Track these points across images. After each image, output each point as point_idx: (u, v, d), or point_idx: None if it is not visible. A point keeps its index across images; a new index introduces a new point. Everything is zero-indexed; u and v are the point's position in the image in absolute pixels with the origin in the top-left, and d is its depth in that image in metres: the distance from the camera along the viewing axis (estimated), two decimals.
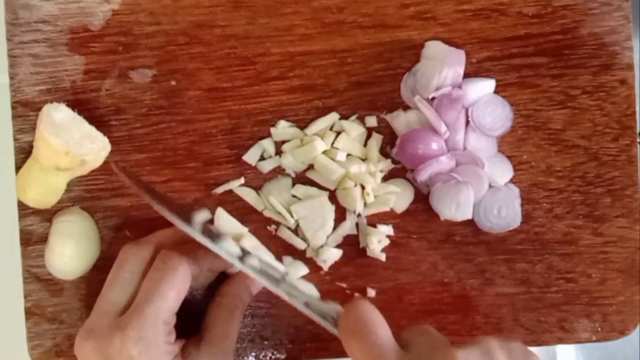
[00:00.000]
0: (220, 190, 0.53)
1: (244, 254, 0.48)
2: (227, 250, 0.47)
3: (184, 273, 0.46)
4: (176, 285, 0.46)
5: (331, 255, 0.53)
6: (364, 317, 0.45)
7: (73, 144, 0.48)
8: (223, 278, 0.52)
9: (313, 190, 0.53)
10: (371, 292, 0.53)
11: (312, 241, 0.52)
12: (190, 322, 0.49)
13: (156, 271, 0.46)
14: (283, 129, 0.53)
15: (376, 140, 0.53)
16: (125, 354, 0.44)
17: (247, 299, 0.51)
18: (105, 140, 0.51)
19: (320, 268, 0.53)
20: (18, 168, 0.53)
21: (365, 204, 0.53)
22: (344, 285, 0.53)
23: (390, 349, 0.43)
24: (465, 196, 0.52)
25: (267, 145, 0.53)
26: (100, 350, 0.45)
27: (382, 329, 0.44)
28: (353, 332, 0.45)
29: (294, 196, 0.53)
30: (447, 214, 0.52)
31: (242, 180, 0.53)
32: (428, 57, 0.53)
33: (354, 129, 0.53)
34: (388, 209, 0.53)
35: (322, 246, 0.53)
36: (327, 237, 0.53)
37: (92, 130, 0.50)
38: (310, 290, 0.51)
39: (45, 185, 0.50)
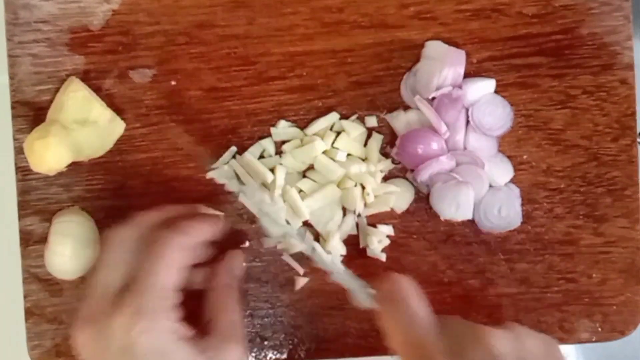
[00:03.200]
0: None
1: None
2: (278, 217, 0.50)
3: (178, 245, 0.45)
4: (172, 258, 0.45)
5: (337, 246, 0.52)
6: (403, 289, 0.45)
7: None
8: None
9: (317, 185, 0.53)
10: (371, 292, 0.53)
11: (324, 235, 0.52)
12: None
13: (149, 248, 0.45)
14: (283, 129, 0.53)
15: (376, 140, 0.53)
16: (126, 334, 0.42)
17: (235, 285, 0.50)
18: (120, 121, 0.52)
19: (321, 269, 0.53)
20: (18, 168, 0.53)
21: (365, 204, 0.53)
22: None
23: (426, 322, 0.44)
24: (465, 196, 0.52)
25: (267, 145, 0.53)
26: (99, 336, 0.43)
27: (420, 302, 0.45)
28: (391, 301, 0.45)
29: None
30: (447, 214, 0.52)
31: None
32: (428, 57, 0.53)
33: (354, 129, 0.53)
34: (388, 209, 0.53)
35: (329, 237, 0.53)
36: (338, 226, 0.53)
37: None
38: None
39: (66, 142, 0.49)
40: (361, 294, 0.48)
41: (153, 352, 0.43)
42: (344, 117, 0.53)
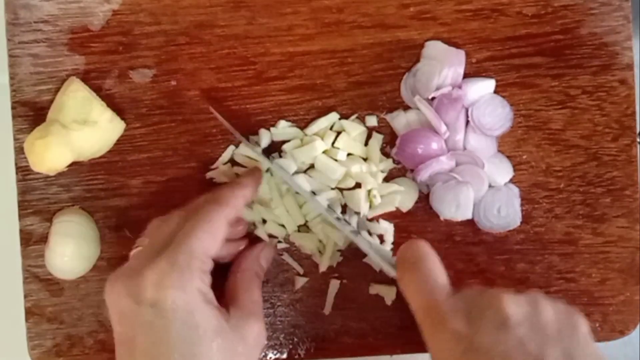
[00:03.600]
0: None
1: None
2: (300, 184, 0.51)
3: (223, 215, 0.46)
4: (216, 226, 0.46)
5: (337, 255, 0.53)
6: (421, 254, 0.46)
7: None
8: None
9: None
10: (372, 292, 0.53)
11: (324, 238, 0.53)
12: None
13: (194, 213, 0.46)
14: (283, 129, 0.53)
15: (377, 140, 0.53)
16: (157, 288, 0.43)
17: (261, 272, 0.51)
18: (121, 121, 0.52)
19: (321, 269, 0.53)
20: (18, 168, 0.53)
21: (370, 206, 0.52)
22: (345, 281, 0.54)
23: (441, 285, 0.45)
24: (465, 196, 0.52)
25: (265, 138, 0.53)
26: (131, 289, 0.43)
27: (436, 266, 0.46)
28: (409, 265, 0.46)
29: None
30: (447, 214, 0.52)
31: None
32: (428, 57, 0.53)
33: (354, 128, 0.53)
34: (393, 209, 0.53)
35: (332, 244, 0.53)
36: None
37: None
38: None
39: (67, 142, 0.49)
40: (386, 265, 0.49)
41: (181, 309, 0.43)
42: (344, 117, 0.53)
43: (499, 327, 0.42)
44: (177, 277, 0.43)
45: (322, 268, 0.53)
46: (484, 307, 0.43)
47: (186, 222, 0.46)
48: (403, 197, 0.53)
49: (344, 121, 0.53)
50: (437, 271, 0.46)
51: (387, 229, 0.53)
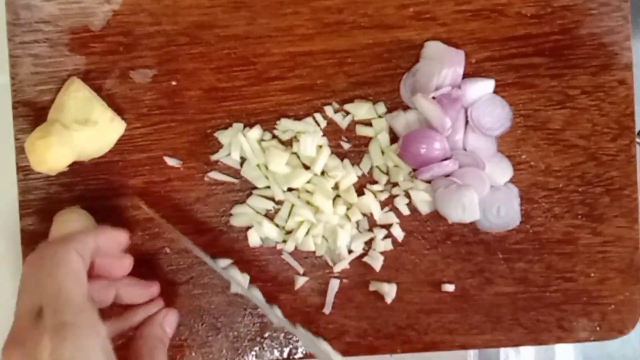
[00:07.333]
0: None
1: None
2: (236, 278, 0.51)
3: (71, 250, 0.45)
4: (68, 264, 0.44)
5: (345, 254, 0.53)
6: None
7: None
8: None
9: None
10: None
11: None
12: None
13: (48, 260, 0.45)
14: (285, 124, 0.53)
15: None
16: (55, 355, 0.41)
17: (165, 338, 0.50)
18: (121, 121, 0.53)
19: (323, 266, 0.53)
20: (19, 168, 0.53)
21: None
22: (345, 280, 0.54)
23: None
24: (469, 199, 0.51)
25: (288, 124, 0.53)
26: (29, 357, 0.41)
27: None
28: None
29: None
30: (454, 218, 0.52)
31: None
32: (427, 57, 0.53)
33: (359, 109, 0.53)
34: (407, 213, 0.53)
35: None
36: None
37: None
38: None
39: (67, 142, 0.49)
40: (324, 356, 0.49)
41: None
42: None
43: None
44: (72, 341, 0.41)
45: (337, 269, 0.53)
46: None
47: (47, 265, 0.45)
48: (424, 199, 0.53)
49: (347, 104, 0.53)
50: None
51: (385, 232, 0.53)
